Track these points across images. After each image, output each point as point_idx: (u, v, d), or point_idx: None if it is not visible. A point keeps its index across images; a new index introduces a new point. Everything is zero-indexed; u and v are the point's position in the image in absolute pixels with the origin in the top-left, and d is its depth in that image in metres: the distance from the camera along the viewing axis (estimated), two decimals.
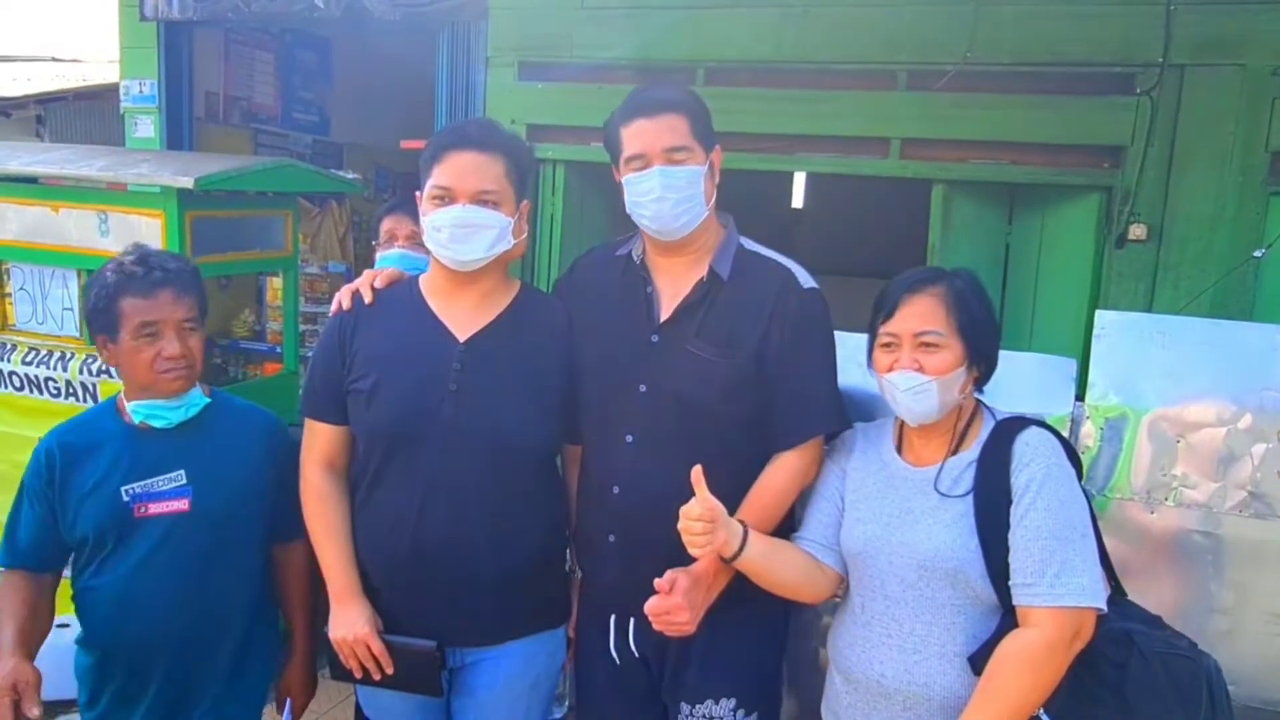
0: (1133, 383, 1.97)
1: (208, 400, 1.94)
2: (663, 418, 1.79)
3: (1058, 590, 1.48)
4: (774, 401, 1.79)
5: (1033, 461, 1.56)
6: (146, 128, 4.62)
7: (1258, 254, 3.11)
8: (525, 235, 1.87)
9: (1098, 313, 2.00)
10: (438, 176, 1.77)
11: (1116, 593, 1.68)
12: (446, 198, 1.76)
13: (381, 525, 1.82)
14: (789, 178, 7.51)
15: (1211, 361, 1.94)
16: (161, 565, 1.86)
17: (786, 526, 1.86)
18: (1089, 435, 1.98)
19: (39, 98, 5.54)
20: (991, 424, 1.66)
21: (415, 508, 1.78)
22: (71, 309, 3.17)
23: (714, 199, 1.83)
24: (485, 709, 1.87)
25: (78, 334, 3.16)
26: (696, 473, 1.58)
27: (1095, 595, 1.49)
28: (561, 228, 4.06)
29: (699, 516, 1.58)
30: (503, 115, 4.00)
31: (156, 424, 1.88)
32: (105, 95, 5.51)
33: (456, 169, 1.76)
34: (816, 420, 1.80)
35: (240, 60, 5.30)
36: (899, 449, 1.74)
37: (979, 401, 1.71)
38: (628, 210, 1.83)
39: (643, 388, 1.81)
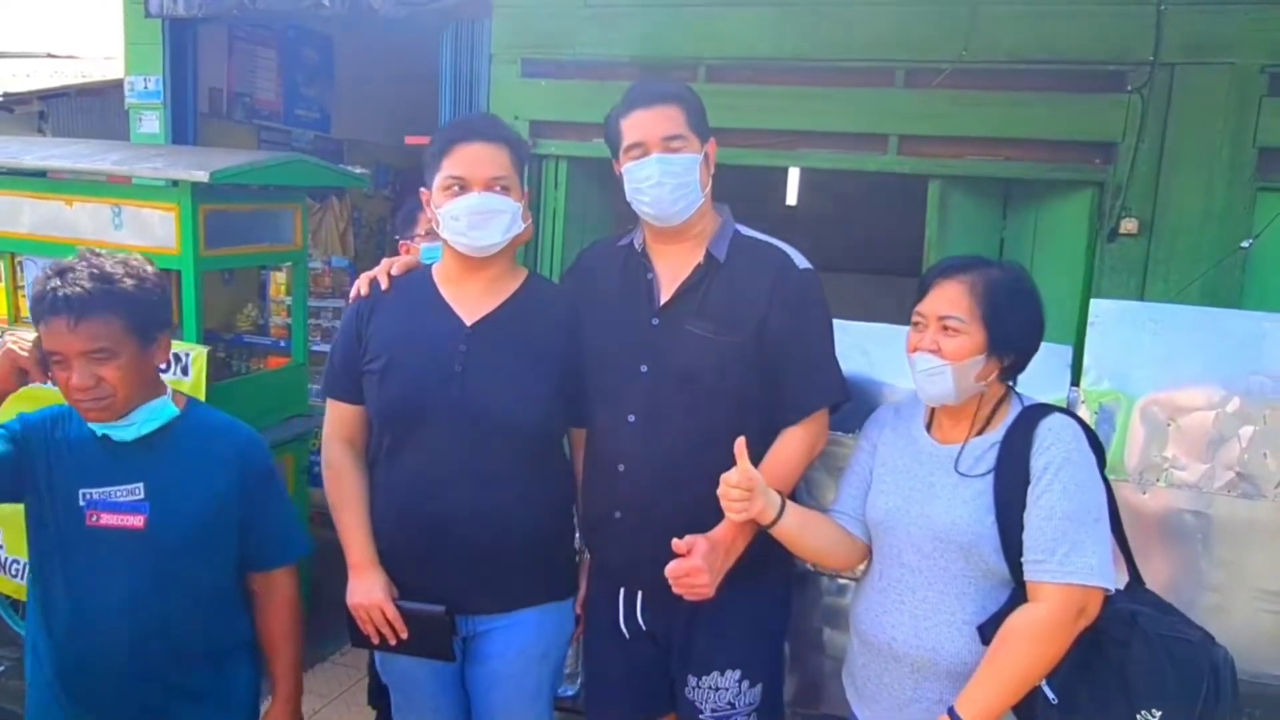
0: (1125, 369, 2.04)
1: (176, 412, 1.78)
2: (664, 397, 1.88)
3: (1067, 568, 1.55)
4: (779, 378, 1.88)
5: (1053, 446, 1.62)
6: (151, 123, 4.65)
7: (1245, 244, 3.19)
8: (530, 221, 1.96)
9: (1092, 301, 2.08)
10: (450, 168, 1.86)
11: (1135, 581, 1.75)
12: (461, 187, 1.84)
13: (395, 500, 1.90)
14: (784, 174, 7.58)
15: (1201, 347, 2.01)
16: (109, 583, 1.71)
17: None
18: (1084, 419, 2.05)
19: (43, 93, 5.57)
20: (1018, 409, 1.72)
21: (426, 483, 1.87)
22: None
23: (709, 188, 1.92)
24: (498, 676, 1.96)
25: None
26: (740, 444, 1.68)
27: (1103, 575, 1.56)
28: (564, 222, 4.12)
29: (737, 484, 1.68)
30: (506, 111, 4.04)
31: (114, 436, 1.74)
32: (107, 91, 5.53)
33: (468, 159, 1.85)
34: (821, 393, 1.90)
35: (243, 56, 5.33)
36: (929, 426, 1.81)
37: (1010, 388, 1.77)
38: (628, 198, 1.92)
39: (644, 369, 1.89)
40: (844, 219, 7.16)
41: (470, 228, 1.84)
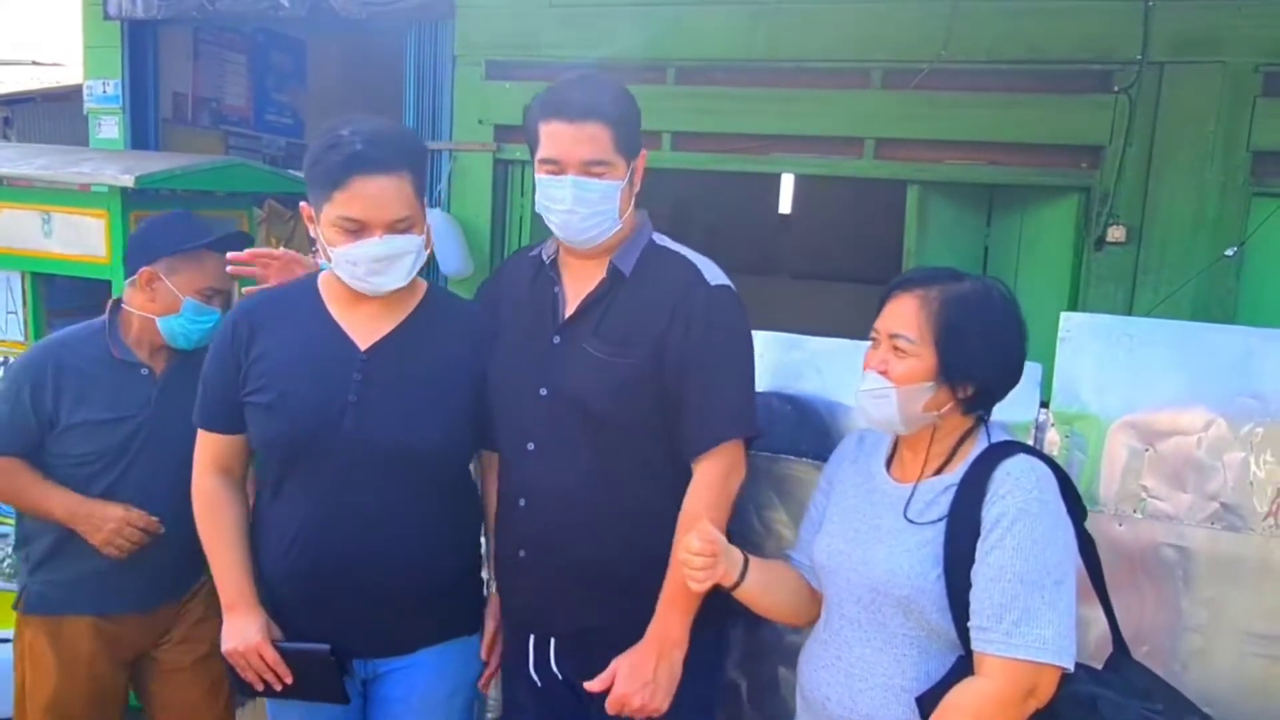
0: (1099, 388, 1.87)
1: None
2: (563, 423, 1.70)
3: (1014, 640, 1.36)
4: (680, 406, 1.68)
5: (1009, 494, 1.42)
6: (111, 129, 4.53)
7: (1228, 253, 3.02)
8: (431, 246, 1.78)
9: (1062, 315, 1.91)
10: (346, 207, 1.61)
11: (1119, 653, 1.56)
12: (360, 231, 1.63)
13: (282, 540, 1.73)
14: (776, 182, 7.43)
15: (1182, 366, 1.84)
16: None
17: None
18: (1053, 443, 1.88)
19: (6, 98, 5.47)
20: (984, 446, 1.51)
21: (316, 522, 1.70)
22: (16, 312, 3.07)
23: (631, 206, 1.72)
24: (399, 717, 1.81)
25: (22, 338, 3.06)
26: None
27: (1058, 651, 1.36)
28: (530, 229, 3.98)
29: (699, 551, 1.50)
30: (470, 115, 3.94)
31: None
32: (72, 96, 5.42)
33: (369, 200, 1.61)
34: (720, 424, 1.67)
35: (210, 61, 5.20)
36: (890, 460, 1.62)
37: (979, 420, 1.56)
38: (537, 209, 1.73)
39: (543, 391, 1.72)
40: (841, 227, 7.00)
41: (370, 274, 1.66)
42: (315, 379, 1.70)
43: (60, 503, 2.07)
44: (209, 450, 1.80)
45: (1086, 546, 1.54)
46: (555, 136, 1.66)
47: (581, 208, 1.66)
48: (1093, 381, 1.88)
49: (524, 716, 1.87)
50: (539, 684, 1.82)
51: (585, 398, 1.68)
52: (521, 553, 1.75)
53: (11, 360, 3.03)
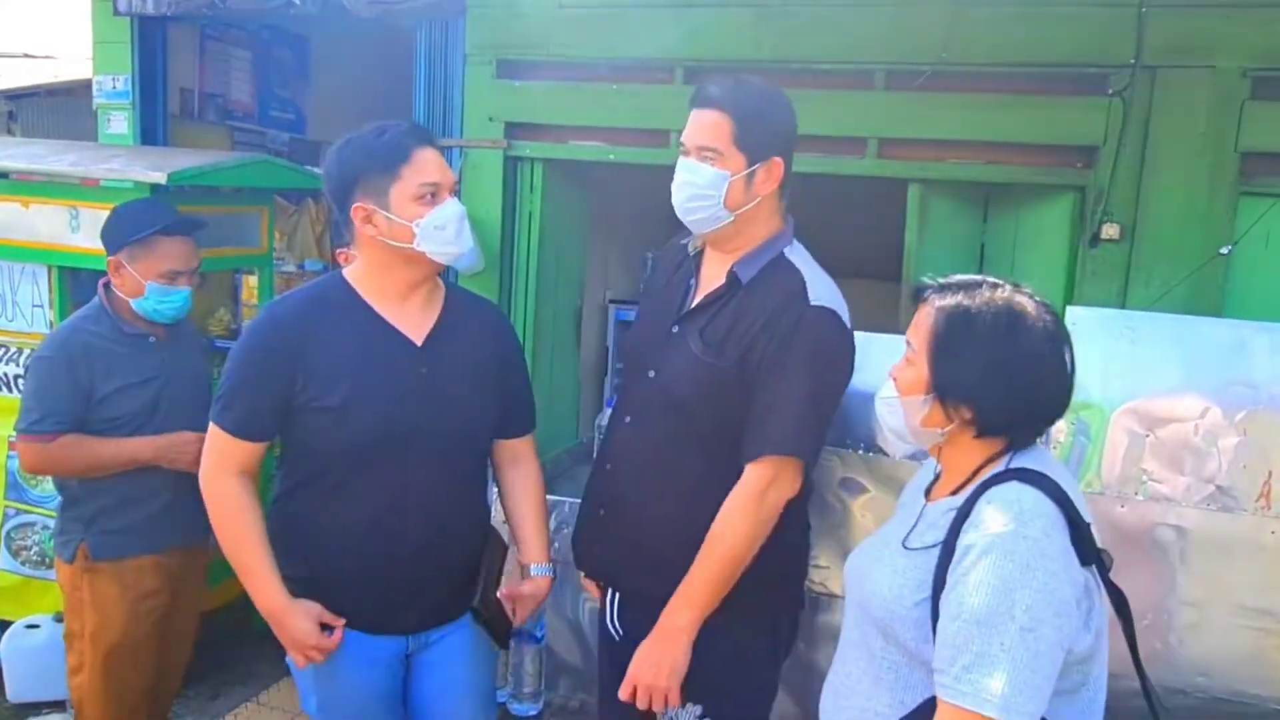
0: (1102, 377, 1.99)
1: None
2: (656, 405, 1.83)
3: (961, 686, 1.24)
4: (749, 411, 1.75)
5: (983, 524, 1.29)
6: (120, 124, 4.55)
7: (1224, 251, 3.14)
8: None
9: (1068, 309, 2.02)
10: (422, 173, 1.74)
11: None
12: (437, 193, 1.76)
13: (349, 534, 1.79)
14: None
15: (1180, 356, 1.96)
16: None
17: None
18: (1060, 430, 2.00)
19: (11, 93, 5.48)
20: (997, 472, 1.38)
21: (391, 513, 1.78)
22: (42, 305, 3.13)
23: (749, 206, 1.75)
24: (452, 682, 1.94)
25: (48, 331, 3.11)
26: None
27: (1006, 706, 1.20)
28: (540, 226, 4.05)
29: None
30: (480, 113, 3.99)
31: None
32: (77, 91, 5.43)
33: (436, 165, 1.78)
34: (767, 441, 1.71)
35: (216, 57, 5.24)
36: (935, 480, 1.54)
37: (1006, 448, 1.40)
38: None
39: (651, 374, 1.85)
40: (833, 224, 7.08)
41: (457, 235, 1.78)
42: (385, 379, 1.77)
43: (141, 445, 2.39)
44: (235, 455, 1.78)
45: (1116, 598, 1.39)
46: (690, 122, 1.76)
47: (686, 188, 1.74)
48: (1096, 372, 2.00)
49: (605, 666, 2.04)
50: (613, 636, 1.96)
51: (674, 387, 1.80)
52: (602, 511, 1.92)
53: (30, 351, 3.09)
